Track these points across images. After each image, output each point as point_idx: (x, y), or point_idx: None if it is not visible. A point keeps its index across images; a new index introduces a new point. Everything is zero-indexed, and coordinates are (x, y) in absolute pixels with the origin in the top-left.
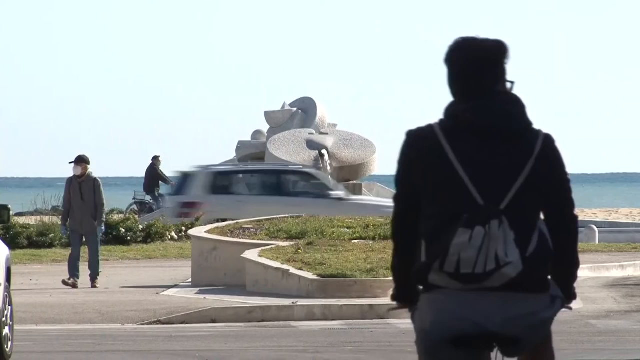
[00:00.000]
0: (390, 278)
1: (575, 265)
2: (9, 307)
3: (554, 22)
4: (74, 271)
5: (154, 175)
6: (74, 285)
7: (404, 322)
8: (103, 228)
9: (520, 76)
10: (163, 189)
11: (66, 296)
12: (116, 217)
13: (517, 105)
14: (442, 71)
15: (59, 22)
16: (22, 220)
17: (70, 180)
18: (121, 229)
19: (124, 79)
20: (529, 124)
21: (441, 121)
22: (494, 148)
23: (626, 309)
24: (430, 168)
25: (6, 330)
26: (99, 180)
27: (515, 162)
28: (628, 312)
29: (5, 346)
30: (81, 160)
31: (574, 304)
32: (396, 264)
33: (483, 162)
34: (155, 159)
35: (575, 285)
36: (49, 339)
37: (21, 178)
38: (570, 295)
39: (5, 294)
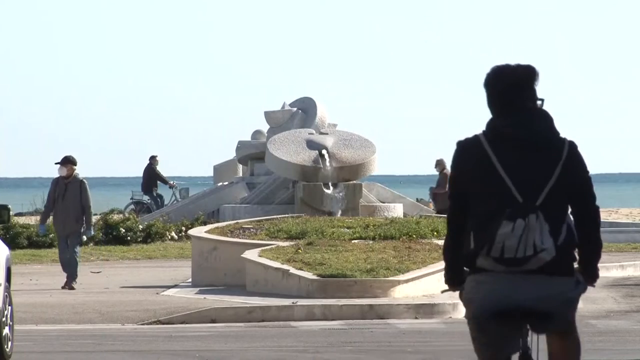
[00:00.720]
0: (390, 278)
1: (600, 247)
2: (9, 307)
3: (557, 21)
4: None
5: (151, 175)
6: (69, 287)
7: (404, 322)
8: (92, 231)
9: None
10: (161, 189)
11: (66, 296)
12: (116, 217)
13: (546, 120)
14: (442, 71)
15: (59, 22)
16: (22, 220)
17: (56, 181)
18: (121, 229)
19: (124, 79)
20: (557, 134)
21: (484, 133)
22: (529, 155)
23: (626, 309)
24: (478, 172)
25: (6, 330)
26: (85, 181)
27: (546, 166)
28: (628, 312)
29: (5, 346)
30: (68, 161)
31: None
32: (450, 250)
33: (521, 167)
34: (153, 158)
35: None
36: (49, 339)
37: (21, 178)
38: (594, 274)
39: (5, 294)
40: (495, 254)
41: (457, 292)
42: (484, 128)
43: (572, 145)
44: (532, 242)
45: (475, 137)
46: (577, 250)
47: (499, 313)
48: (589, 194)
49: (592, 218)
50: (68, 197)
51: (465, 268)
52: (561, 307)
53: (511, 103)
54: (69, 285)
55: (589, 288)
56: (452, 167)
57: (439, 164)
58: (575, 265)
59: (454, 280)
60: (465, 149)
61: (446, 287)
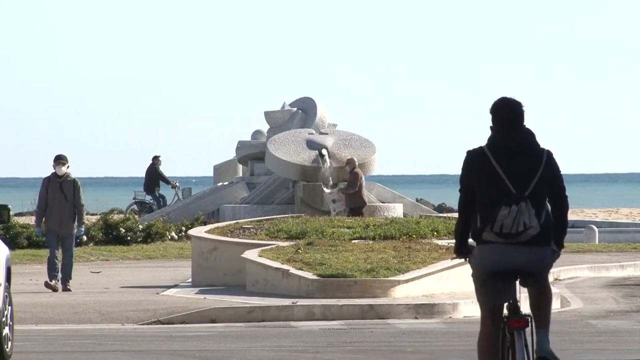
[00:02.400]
0: (390, 278)
1: (566, 225)
2: (9, 307)
3: (557, 21)
4: (53, 273)
5: (154, 175)
6: (55, 289)
7: (404, 322)
8: (83, 229)
9: (521, 76)
10: (163, 189)
11: (66, 296)
12: (116, 217)
13: (531, 136)
14: (442, 71)
15: (59, 22)
16: (22, 220)
17: (48, 180)
18: (121, 229)
19: (124, 79)
20: (538, 145)
21: (487, 145)
22: (519, 160)
23: (626, 309)
24: (483, 172)
25: (6, 330)
26: (78, 180)
27: (532, 168)
28: (628, 312)
29: (5, 346)
30: (63, 160)
31: (575, 304)
32: (459, 229)
33: (513, 168)
34: (156, 158)
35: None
36: (49, 339)
37: (21, 178)
38: (561, 245)
39: (5, 294)
40: (496, 230)
41: (464, 259)
42: (485, 142)
43: (549, 153)
44: (523, 221)
45: (480, 147)
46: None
47: (498, 272)
48: (561, 186)
49: (562, 204)
50: (63, 197)
51: (470, 241)
52: (541, 269)
53: (510, 124)
54: (64, 287)
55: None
56: (463, 168)
57: (350, 164)
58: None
59: (462, 250)
60: (473, 156)
61: (455, 256)
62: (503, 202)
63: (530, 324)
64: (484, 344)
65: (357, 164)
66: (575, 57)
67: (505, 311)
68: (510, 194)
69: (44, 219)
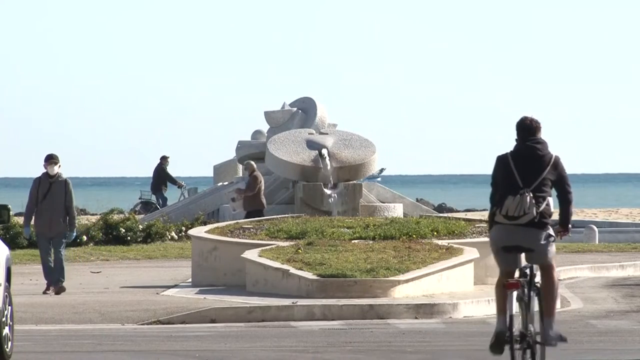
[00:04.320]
0: (390, 278)
1: (570, 214)
2: (9, 307)
3: (557, 21)
4: (51, 277)
5: (161, 175)
6: (58, 292)
7: (404, 322)
8: (75, 233)
9: (521, 76)
10: (170, 189)
11: (66, 296)
12: (116, 217)
13: (544, 144)
14: (442, 71)
15: (60, 22)
16: (22, 220)
17: (38, 180)
18: (121, 229)
19: (124, 79)
20: (548, 152)
21: (511, 152)
22: (529, 163)
23: (626, 309)
24: (504, 171)
25: (6, 330)
26: (70, 182)
27: (538, 169)
28: (628, 312)
29: (5, 346)
30: (54, 159)
31: (575, 304)
32: (490, 214)
33: (525, 168)
34: (164, 159)
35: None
36: (49, 339)
37: (21, 178)
38: (567, 227)
39: (5, 294)
40: (503, 213)
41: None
42: (511, 149)
43: (557, 158)
44: (522, 208)
45: (505, 154)
46: (559, 214)
47: (505, 246)
48: (567, 184)
49: (566, 197)
50: (54, 197)
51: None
52: (538, 247)
53: (525, 136)
54: (56, 289)
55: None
56: (495, 168)
57: (249, 167)
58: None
59: (491, 226)
60: (500, 159)
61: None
62: (511, 193)
63: (522, 288)
64: (498, 287)
65: (255, 167)
66: (575, 57)
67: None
68: (517, 187)
69: (32, 220)
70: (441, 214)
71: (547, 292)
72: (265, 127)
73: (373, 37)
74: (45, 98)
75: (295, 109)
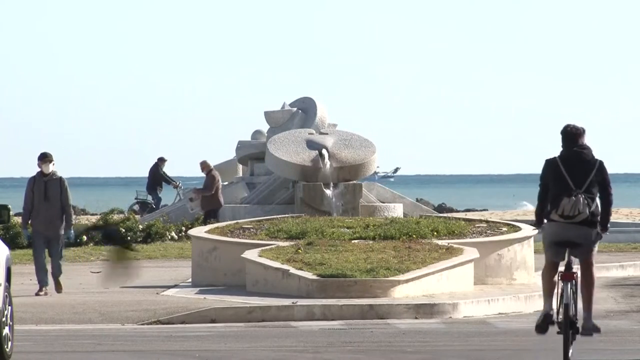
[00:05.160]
0: (390, 278)
1: (609, 214)
2: (9, 307)
3: (558, 21)
4: (44, 279)
5: (156, 175)
6: (46, 293)
7: (404, 322)
8: (72, 232)
9: (521, 76)
10: (166, 189)
11: (66, 296)
12: (116, 217)
13: (589, 150)
14: (442, 71)
15: (60, 22)
16: (21, 220)
17: (33, 179)
18: (121, 229)
19: (124, 78)
20: (593, 157)
21: (559, 156)
22: (578, 167)
23: (626, 309)
24: (555, 174)
25: (6, 330)
26: (65, 180)
27: (587, 172)
28: (628, 312)
29: (5, 346)
30: (48, 158)
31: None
32: (538, 211)
33: (574, 172)
34: (161, 160)
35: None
36: (49, 339)
37: (21, 178)
38: (606, 227)
39: (5, 294)
40: (559, 213)
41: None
42: (557, 154)
43: (601, 162)
44: (577, 208)
45: (554, 157)
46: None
47: (557, 241)
48: (608, 185)
49: (607, 199)
50: (50, 196)
51: (544, 219)
52: (586, 242)
53: (571, 142)
54: (56, 284)
55: None
56: (543, 171)
57: (205, 167)
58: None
59: (540, 223)
60: (549, 163)
61: (534, 227)
62: (565, 194)
63: (575, 279)
64: (545, 274)
65: (212, 166)
66: (574, 57)
67: (561, 268)
68: (570, 189)
69: (30, 221)
70: (441, 214)
71: (587, 287)
72: (265, 127)
73: (373, 37)
74: (45, 98)
75: (295, 109)
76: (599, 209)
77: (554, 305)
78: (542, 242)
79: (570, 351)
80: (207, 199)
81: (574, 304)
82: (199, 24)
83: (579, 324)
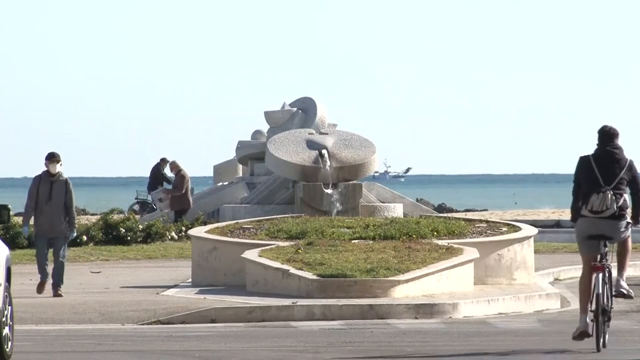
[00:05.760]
0: (390, 278)
1: None
2: (9, 307)
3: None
4: (45, 273)
5: (157, 175)
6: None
7: (404, 322)
8: (75, 233)
9: (521, 76)
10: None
11: (66, 296)
12: (116, 217)
13: (620, 149)
14: (442, 71)
15: (60, 22)
16: (22, 220)
17: (39, 178)
18: (121, 229)
19: (124, 79)
20: (624, 156)
21: (592, 154)
22: (609, 165)
23: (626, 309)
24: (587, 171)
25: (6, 330)
26: (70, 181)
27: (617, 170)
28: (628, 312)
29: (5, 346)
30: (55, 158)
31: (575, 304)
32: (573, 206)
33: (605, 169)
34: (163, 160)
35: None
36: (49, 339)
37: (21, 178)
38: (638, 220)
39: (5, 294)
40: (589, 208)
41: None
42: (591, 152)
43: (631, 161)
44: (605, 204)
45: (587, 155)
46: (631, 208)
47: (590, 235)
48: (638, 182)
49: (637, 195)
50: (55, 197)
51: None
52: (617, 234)
53: (604, 142)
54: (55, 292)
55: None
56: (577, 167)
57: (174, 167)
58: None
59: (576, 218)
60: (582, 160)
61: (572, 222)
62: (595, 190)
63: (606, 271)
64: (582, 282)
65: (181, 166)
66: (575, 58)
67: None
68: (600, 186)
69: (32, 219)
70: (441, 214)
71: (622, 252)
72: (265, 127)
73: (373, 37)
74: (45, 98)
75: (295, 109)
76: (627, 203)
77: (589, 320)
78: (576, 237)
79: (602, 340)
80: (177, 199)
81: (606, 293)
82: (199, 24)
83: (614, 289)
